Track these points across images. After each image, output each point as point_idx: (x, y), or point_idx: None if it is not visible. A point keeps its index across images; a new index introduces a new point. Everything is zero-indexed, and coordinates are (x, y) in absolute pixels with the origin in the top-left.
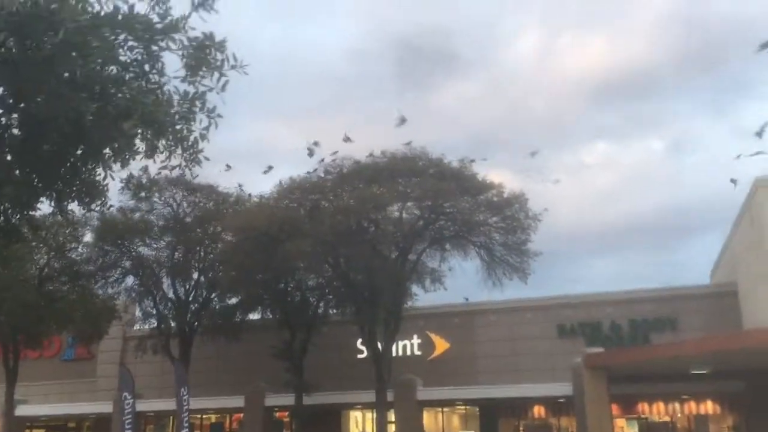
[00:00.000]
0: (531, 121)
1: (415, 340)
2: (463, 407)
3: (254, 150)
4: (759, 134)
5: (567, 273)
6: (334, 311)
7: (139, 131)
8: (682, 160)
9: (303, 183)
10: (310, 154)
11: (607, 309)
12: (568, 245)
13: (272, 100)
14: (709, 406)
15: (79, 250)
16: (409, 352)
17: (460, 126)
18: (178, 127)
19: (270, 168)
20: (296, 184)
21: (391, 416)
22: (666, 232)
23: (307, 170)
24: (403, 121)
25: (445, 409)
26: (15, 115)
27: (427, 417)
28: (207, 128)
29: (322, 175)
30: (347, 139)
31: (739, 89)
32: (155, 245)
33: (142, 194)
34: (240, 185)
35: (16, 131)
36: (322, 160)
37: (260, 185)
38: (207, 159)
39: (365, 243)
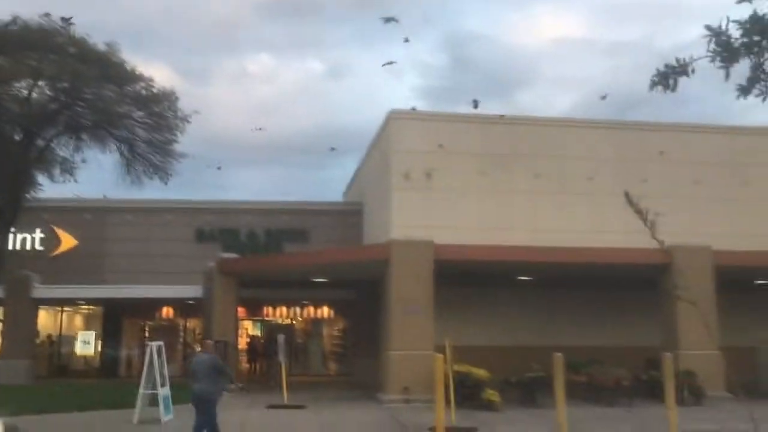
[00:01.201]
0: (196, 21)
1: (38, 234)
2: (86, 307)
3: None
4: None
5: (214, 179)
6: None
7: None
8: (337, 85)
9: None
10: None
11: (247, 217)
12: (219, 152)
13: None
14: (325, 311)
15: None
16: (29, 247)
17: (117, 11)
18: None
19: None
20: None
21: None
22: (316, 151)
23: None
24: None
25: (66, 309)
26: None
27: (45, 316)
28: None
29: None
30: None
31: (389, 27)
32: None
33: None
34: None
35: None
36: None
37: None
38: None
39: None
